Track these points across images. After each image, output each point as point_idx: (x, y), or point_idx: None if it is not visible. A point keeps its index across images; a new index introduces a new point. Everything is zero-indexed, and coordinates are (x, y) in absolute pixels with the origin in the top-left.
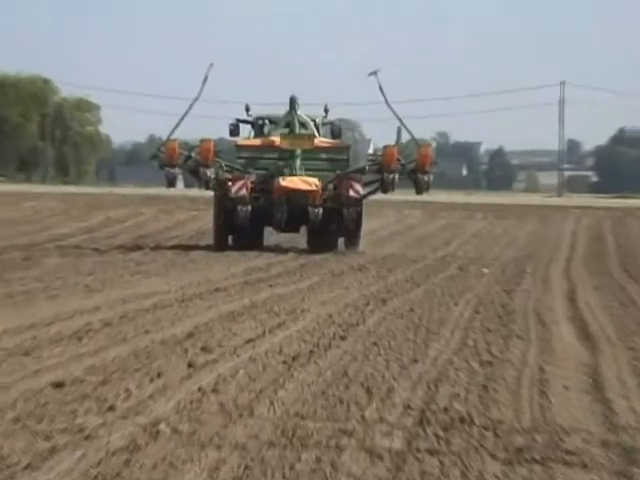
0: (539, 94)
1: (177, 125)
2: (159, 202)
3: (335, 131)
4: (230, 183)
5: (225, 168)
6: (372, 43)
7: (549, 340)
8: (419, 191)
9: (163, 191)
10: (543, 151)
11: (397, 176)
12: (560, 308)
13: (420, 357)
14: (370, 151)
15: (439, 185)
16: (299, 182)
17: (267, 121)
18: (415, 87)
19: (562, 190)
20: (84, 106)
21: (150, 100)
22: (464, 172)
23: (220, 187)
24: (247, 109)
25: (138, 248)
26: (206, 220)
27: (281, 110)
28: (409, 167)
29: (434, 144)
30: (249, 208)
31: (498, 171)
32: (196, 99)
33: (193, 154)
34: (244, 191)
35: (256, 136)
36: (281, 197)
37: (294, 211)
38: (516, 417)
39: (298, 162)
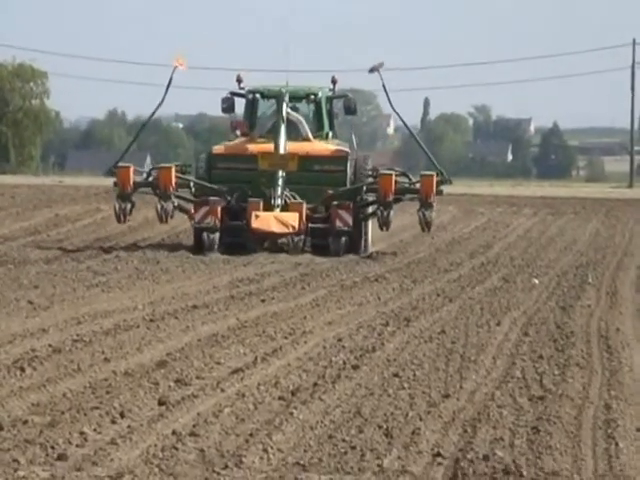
0: (603, 57)
1: (137, 135)
2: None
3: (350, 106)
4: (193, 210)
5: (194, 188)
6: None
7: (617, 370)
8: (422, 228)
9: None
10: (609, 130)
11: (392, 213)
12: (630, 329)
13: (453, 391)
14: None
15: (478, 173)
16: (273, 223)
17: (258, 95)
18: (448, 50)
19: (633, 180)
20: (27, 74)
21: (110, 66)
22: (509, 157)
23: (184, 212)
24: (239, 80)
25: (95, 254)
26: (181, 218)
27: (279, 78)
28: (411, 192)
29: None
30: (217, 235)
31: (552, 155)
32: (159, 104)
33: (151, 178)
34: (210, 219)
35: (246, 114)
36: (254, 237)
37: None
38: (575, 468)
39: (280, 186)
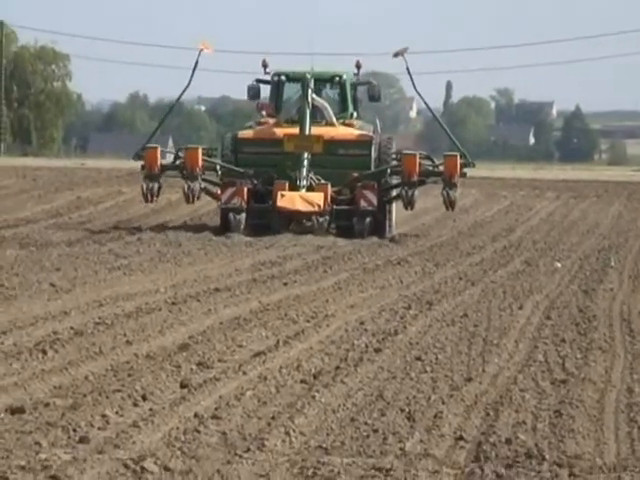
0: (627, 40)
1: (163, 120)
2: None
3: (374, 94)
4: (220, 191)
5: (220, 171)
6: None
7: (639, 353)
8: (446, 207)
9: None
10: (632, 113)
11: (417, 193)
12: None
13: (476, 375)
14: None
15: (501, 157)
16: (299, 201)
17: (284, 77)
18: (470, 32)
19: None
20: (49, 56)
21: (132, 49)
22: (531, 140)
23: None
24: (264, 65)
25: (117, 237)
26: (204, 201)
27: (303, 62)
28: (435, 174)
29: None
30: (243, 217)
31: (574, 139)
32: (186, 88)
33: (178, 161)
34: (236, 199)
35: (271, 96)
36: (279, 216)
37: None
38: (598, 451)
39: (305, 168)
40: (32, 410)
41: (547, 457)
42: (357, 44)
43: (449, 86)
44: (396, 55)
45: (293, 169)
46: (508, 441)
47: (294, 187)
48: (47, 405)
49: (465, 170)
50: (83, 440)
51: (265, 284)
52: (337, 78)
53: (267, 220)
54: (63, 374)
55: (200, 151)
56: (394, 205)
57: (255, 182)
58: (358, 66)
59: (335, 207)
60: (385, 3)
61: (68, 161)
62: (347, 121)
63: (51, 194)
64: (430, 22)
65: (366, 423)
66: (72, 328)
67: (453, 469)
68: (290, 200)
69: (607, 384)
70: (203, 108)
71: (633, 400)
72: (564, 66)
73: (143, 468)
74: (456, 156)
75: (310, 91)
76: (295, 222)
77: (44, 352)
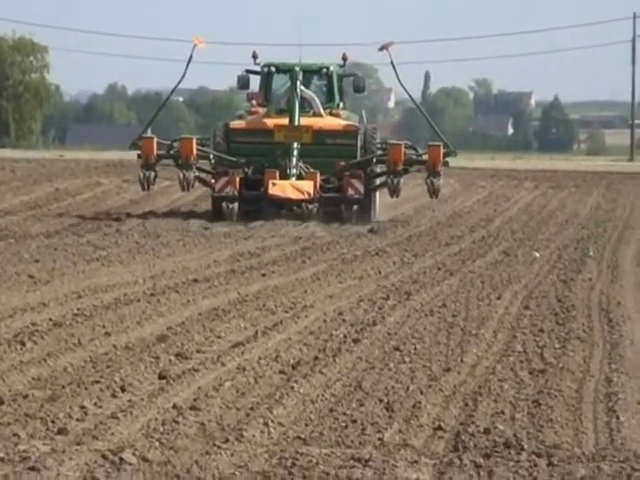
0: (605, 30)
1: (156, 114)
2: (123, 170)
3: (359, 85)
4: (213, 180)
5: (214, 160)
6: None
7: (618, 343)
8: (430, 195)
9: (127, 155)
10: (610, 103)
11: (402, 180)
12: (631, 302)
13: (454, 365)
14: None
15: (479, 147)
16: (290, 189)
17: (273, 69)
18: (448, 23)
19: (634, 153)
20: (27, 48)
21: (110, 40)
22: (510, 130)
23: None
24: (254, 57)
25: (96, 228)
26: (183, 191)
27: (293, 54)
28: (419, 163)
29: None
30: (236, 205)
31: (553, 129)
32: (180, 80)
33: (173, 150)
34: (229, 188)
35: (261, 86)
36: (271, 204)
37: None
38: (576, 441)
39: (295, 157)
40: (11, 402)
41: (526, 447)
42: (335, 35)
43: (427, 76)
44: (381, 49)
45: (283, 158)
46: (487, 431)
47: (284, 175)
48: (26, 397)
49: (448, 159)
50: (62, 431)
51: (243, 275)
52: (324, 70)
53: (259, 207)
54: (42, 365)
55: (195, 141)
56: (378, 193)
57: (246, 170)
58: (344, 58)
59: (323, 195)
60: None
61: (46, 153)
62: (334, 111)
63: (29, 186)
64: (408, 12)
65: (345, 413)
66: (51, 319)
67: (432, 459)
68: (281, 188)
69: (585, 374)
70: (181, 99)
71: (611, 390)
72: (543, 56)
73: (122, 459)
74: (439, 146)
75: (299, 83)
76: (285, 208)
77: (23, 343)
